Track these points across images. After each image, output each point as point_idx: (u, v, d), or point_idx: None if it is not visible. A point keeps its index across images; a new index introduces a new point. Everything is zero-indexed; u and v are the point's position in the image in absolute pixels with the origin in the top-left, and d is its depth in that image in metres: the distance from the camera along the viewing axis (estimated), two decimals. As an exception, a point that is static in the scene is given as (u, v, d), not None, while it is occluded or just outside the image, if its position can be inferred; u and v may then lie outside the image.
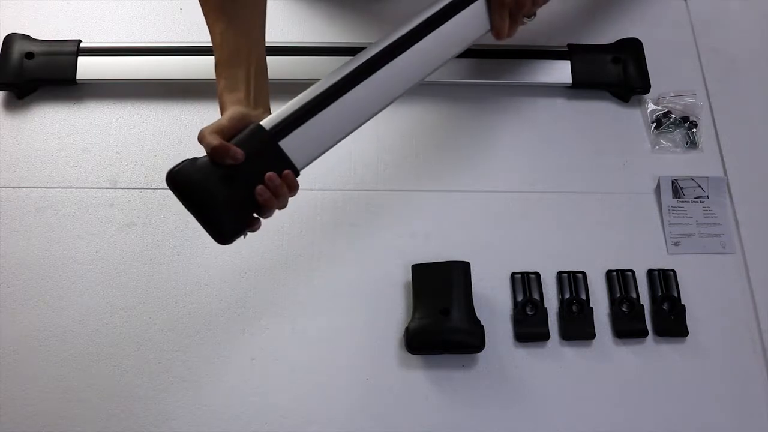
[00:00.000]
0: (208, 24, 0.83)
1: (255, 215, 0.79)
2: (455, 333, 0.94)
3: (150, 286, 1.00)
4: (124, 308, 0.98)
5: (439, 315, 0.94)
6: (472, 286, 0.96)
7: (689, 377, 0.97)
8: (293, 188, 0.80)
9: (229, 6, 0.82)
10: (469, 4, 0.89)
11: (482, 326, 0.95)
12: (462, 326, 0.94)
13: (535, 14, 0.95)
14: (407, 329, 0.95)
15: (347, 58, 0.86)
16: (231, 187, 0.76)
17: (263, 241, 1.03)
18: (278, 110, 0.81)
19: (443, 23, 0.88)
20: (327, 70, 0.85)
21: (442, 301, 0.95)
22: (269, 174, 0.77)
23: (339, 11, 1.21)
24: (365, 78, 0.84)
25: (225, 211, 0.77)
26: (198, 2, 0.84)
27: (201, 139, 0.77)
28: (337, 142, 0.84)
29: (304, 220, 1.05)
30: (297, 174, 0.80)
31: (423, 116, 1.13)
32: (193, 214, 0.77)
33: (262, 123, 0.79)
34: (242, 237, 0.79)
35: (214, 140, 0.75)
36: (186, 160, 0.77)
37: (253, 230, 0.80)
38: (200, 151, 1.11)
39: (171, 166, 0.77)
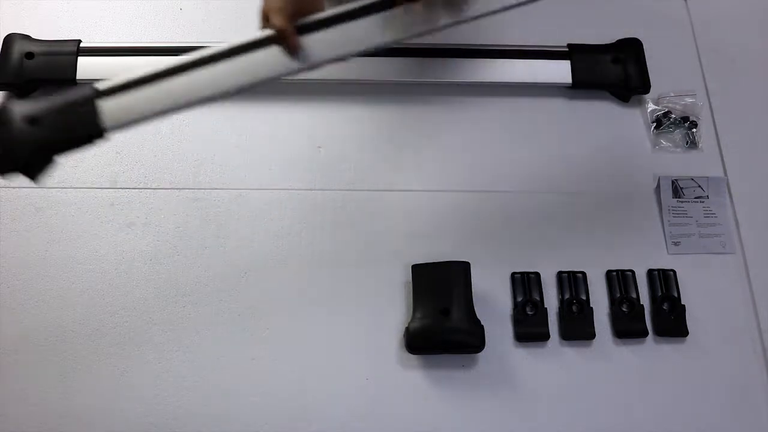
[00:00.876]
0: None
1: (52, 159, 0.81)
2: (455, 333, 0.94)
3: (150, 286, 1.00)
4: (124, 308, 0.98)
5: (439, 315, 0.94)
6: (472, 286, 0.96)
7: (689, 377, 0.97)
8: None
9: None
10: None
11: (482, 326, 0.95)
12: (462, 326, 0.94)
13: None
14: (407, 329, 0.95)
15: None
16: (36, 128, 0.79)
17: (263, 241, 1.03)
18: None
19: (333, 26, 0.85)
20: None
21: (442, 301, 0.95)
22: None
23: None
24: (206, 65, 0.84)
25: (20, 147, 0.79)
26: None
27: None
28: (156, 117, 0.83)
29: (304, 220, 1.05)
30: (101, 135, 0.81)
31: (422, 116, 1.13)
32: None
33: (95, 85, 0.81)
34: (33, 178, 0.81)
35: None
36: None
37: (48, 171, 0.82)
38: (196, 150, 1.11)
39: None
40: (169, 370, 0.95)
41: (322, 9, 0.84)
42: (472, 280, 0.96)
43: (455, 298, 0.95)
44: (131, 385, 0.94)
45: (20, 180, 1.05)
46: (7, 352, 0.95)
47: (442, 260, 0.98)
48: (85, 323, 0.97)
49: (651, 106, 1.14)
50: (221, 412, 0.93)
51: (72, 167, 1.07)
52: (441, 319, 0.94)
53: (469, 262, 0.97)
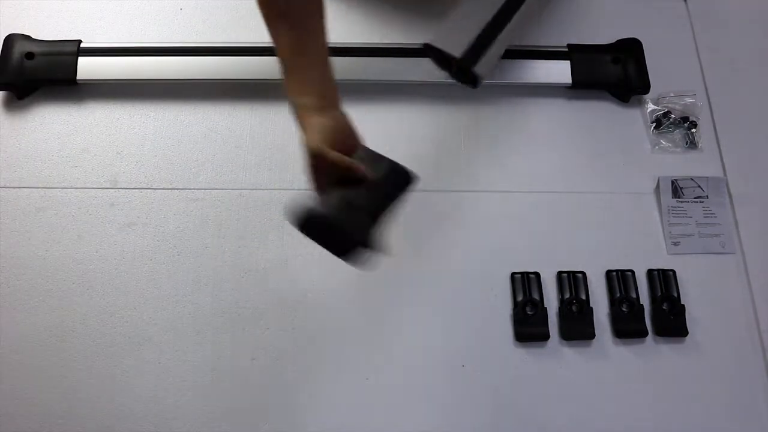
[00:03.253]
0: (275, 31, 0.80)
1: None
2: (344, 222, 0.76)
3: (150, 286, 1.00)
4: (124, 308, 0.98)
5: (344, 203, 0.77)
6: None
7: (689, 377, 0.97)
8: None
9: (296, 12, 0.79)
10: None
11: (378, 229, 0.78)
12: (356, 219, 0.76)
13: None
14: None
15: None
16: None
17: (263, 241, 1.03)
18: (460, 35, 0.96)
19: None
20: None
21: (358, 195, 0.78)
22: None
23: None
24: None
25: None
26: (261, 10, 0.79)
27: (323, 156, 0.78)
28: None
29: (304, 220, 1.05)
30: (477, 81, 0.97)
31: (421, 116, 1.13)
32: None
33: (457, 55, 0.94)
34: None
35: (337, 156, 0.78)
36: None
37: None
38: (196, 150, 1.11)
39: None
40: (168, 370, 0.95)
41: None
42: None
43: (372, 197, 0.79)
44: (131, 385, 0.94)
45: (25, 181, 1.06)
46: (7, 352, 0.95)
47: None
48: (85, 323, 0.97)
49: (651, 106, 1.14)
50: (221, 412, 0.93)
51: (72, 167, 1.07)
52: (344, 206, 0.76)
53: (416, 174, 0.86)
